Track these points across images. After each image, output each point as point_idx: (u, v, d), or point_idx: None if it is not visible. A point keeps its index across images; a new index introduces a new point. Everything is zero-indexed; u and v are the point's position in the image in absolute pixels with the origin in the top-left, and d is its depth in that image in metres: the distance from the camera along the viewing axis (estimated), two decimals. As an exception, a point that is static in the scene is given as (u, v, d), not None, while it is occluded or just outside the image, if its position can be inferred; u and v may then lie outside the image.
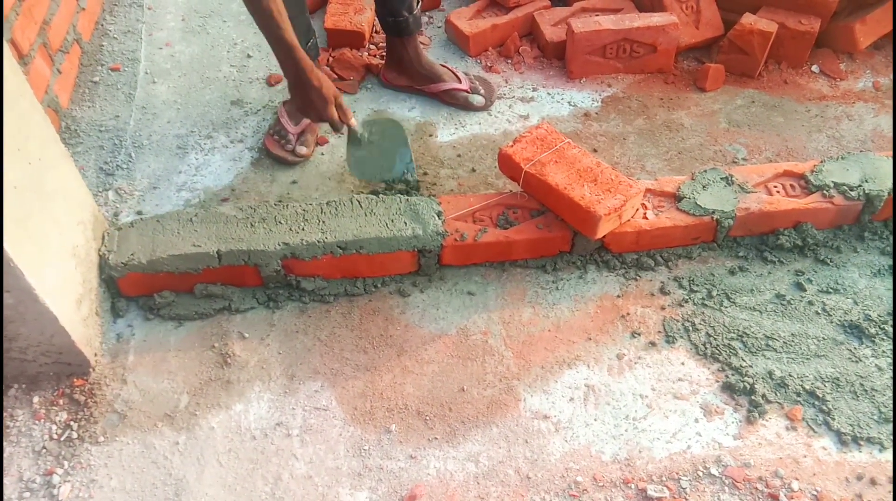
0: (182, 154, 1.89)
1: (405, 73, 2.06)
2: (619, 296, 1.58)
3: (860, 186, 1.63)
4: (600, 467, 1.31)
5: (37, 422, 1.35)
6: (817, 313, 1.53)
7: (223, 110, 2.06)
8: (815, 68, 2.14)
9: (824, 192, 1.63)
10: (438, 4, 2.44)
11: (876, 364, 1.44)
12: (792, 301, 1.55)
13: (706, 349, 1.47)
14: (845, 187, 1.63)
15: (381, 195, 1.62)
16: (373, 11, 2.31)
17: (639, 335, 1.50)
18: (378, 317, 1.54)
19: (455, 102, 2.04)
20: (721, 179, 1.67)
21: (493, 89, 2.09)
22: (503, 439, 1.34)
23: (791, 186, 1.67)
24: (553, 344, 1.49)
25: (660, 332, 1.51)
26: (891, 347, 1.47)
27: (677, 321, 1.53)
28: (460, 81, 2.04)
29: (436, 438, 1.35)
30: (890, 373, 1.43)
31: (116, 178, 1.84)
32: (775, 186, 1.67)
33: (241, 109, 2.06)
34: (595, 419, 1.37)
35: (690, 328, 1.51)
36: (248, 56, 2.23)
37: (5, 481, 1.27)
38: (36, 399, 1.38)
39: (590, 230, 1.52)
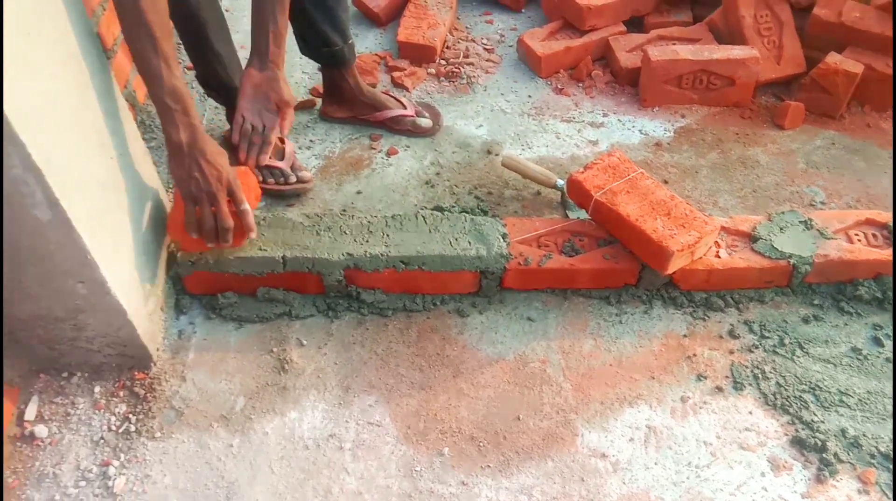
0: (251, 156, 1.91)
1: (346, 104, 1.98)
2: (685, 335, 1.53)
3: (949, 240, 1.55)
4: (658, 513, 1.26)
5: (97, 412, 1.36)
6: (895, 371, 1.46)
7: (293, 116, 2.07)
8: (901, 113, 2.06)
9: (909, 244, 1.56)
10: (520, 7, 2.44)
11: (958, 432, 1.36)
12: (868, 357, 1.48)
13: (776, 399, 1.41)
14: (933, 241, 1.55)
15: (445, 212, 1.61)
16: (445, 26, 2.32)
17: (705, 378, 1.45)
18: (435, 335, 1.52)
19: (402, 128, 1.99)
20: (800, 222, 1.61)
21: (438, 114, 2.04)
22: (558, 474, 1.31)
23: (873, 235, 1.60)
24: (614, 380, 1.45)
25: (727, 377, 1.45)
26: (975, 414, 1.38)
27: (746, 367, 1.47)
28: (405, 107, 1.99)
29: (489, 466, 1.32)
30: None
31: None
32: (857, 234, 1.60)
33: (310, 116, 2.08)
34: (656, 463, 1.32)
35: (760, 376, 1.45)
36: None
37: (63, 468, 1.28)
38: (97, 389, 1.40)
39: (660, 265, 1.48)
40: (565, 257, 1.56)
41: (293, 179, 1.79)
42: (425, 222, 1.58)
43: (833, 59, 1.97)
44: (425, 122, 2.01)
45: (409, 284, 1.56)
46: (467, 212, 1.74)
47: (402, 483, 1.29)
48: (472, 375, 1.46)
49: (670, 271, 1.48)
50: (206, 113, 2.07)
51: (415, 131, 2.00)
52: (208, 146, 1.31)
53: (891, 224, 1.60)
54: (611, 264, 1.54)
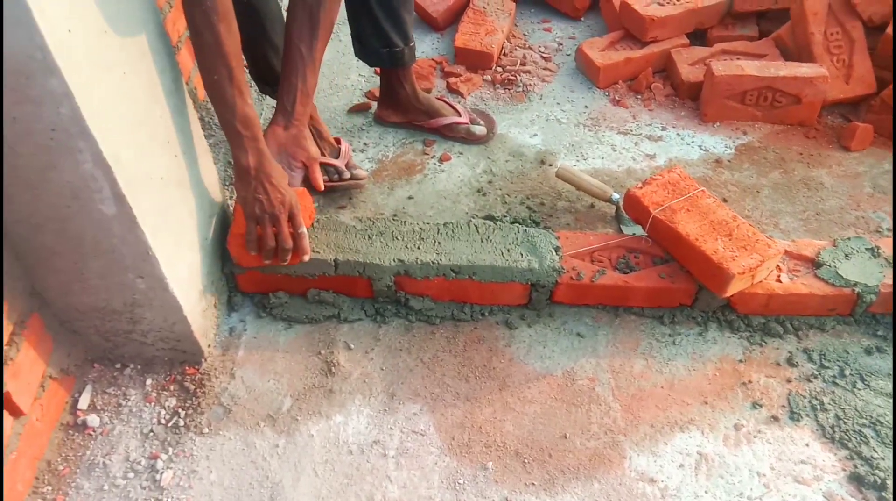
0: (306, 157, 1.92)
1: (401, 109, 1.97)
2: (741, 361, 1.48)
3: None
4: (707, 544, 1.22)
5: (147, 404, 1.39)
6: (965, 410, 1.39)
7: (348, 118, 2.09)
8: (977, 139, 1.97)
9: (985, 278, 1.49)
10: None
11: None
12: (935, 393, 1.42)
13: (834, 432, 1.36)
14: None
15: (498, 222, 1.59)
16: (503, 33, 2.30)
17: (760, 406, 1.41)
18: (482, 346, 1.51)
19: (456, 135, 1.98)
20: (866, 249, 1.55)
21: (493, 121, 2.02)
22: (604, 496, 1.28)
23: (946, 266, 1.53)
24: (665, 403, 1.41)
25: (784, 406, 1.41)
26: None
27: (804, 397, 1.42)
28: (459, 115, 1.97)
29: (533, 483, 1.29)
30: None
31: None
32: (927, 265, 1.53)
33: (365, 119, 2.09)
34: (706, 492, 1.28)
35: (818, 407, 1.40)
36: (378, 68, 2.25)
37: (113, 458, 1.31)
38: (149, 382, 1.42)
39: (719, 288, 1.44)
40: (619, 273, 1.53)
41: (347, 175, 1.80)
42: (477, 231, 1.57)
43: (907, 80, 1.90)
44: (479, 129, 1.99)
45: (458, 293, 1.55)
46: (519, 222, 1.72)
47: (444, 494, 1.28)
48: (518, 389, 1.44)
49: (729, 293, 1.44)
50: (263, 112, 2.10)
51: (468, 139, 1.99)
52: (274, 171, 1.36)
53: (965, 256, 1.53)
54: (666, 283, 1.51)
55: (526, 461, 1.32)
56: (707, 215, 1.50)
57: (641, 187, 1.58)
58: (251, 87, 1.99)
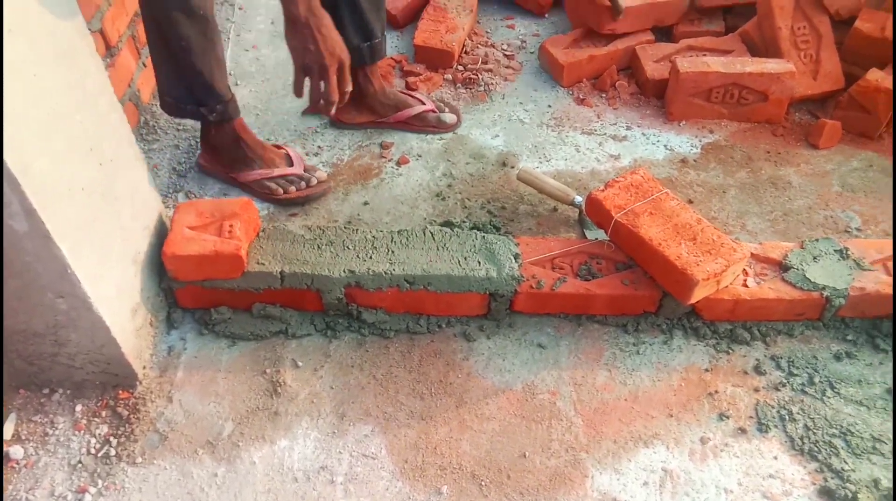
0: (256, 162, 1.83)
1: (367, 107, 1.90)
2: (707, 370, 1.42)
3: None
4: (673, 568, 1.16)
5: (76, 433, 1.29)
6: (937, 418, 1.34)
7: (301, 121, 2.00)
8: (944, 135, 1.94)
9: (955, 279, 1.44)
10: None
11: None
12: (907, 400, 1.37)
13: (804, 444, 1.30)
14: (981, 277, 1.43)
15: (455, 229, 1.52)
16: (465, 31, 2.22)
17: (727, 417, 1.35)
18: (439, 361, 1.43)
19: (426, 125, 1.92)
20: (835, 251, 1.49)
21: (457, 109, 1.98)
22: (565, 519, 1.21)
23: (915, 267, 1.48)
24: (629, 416, 1.35)
25: (751, 417, 1.35)
26: None
27: (772, 407, 1.36)
28: (425, 104, 1.92)
29: (490, 507, 1.22)
30: None
31: (188, 180, 1.80)
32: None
33: (320, 121, 2.00)
34: (671, 510, 1.22)
35: (787, 417, 1.34)
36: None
37: (37, 493, 1.21)
38: (79, 408, 1.32)
39: (683, 294, 1.37)
40: (581, 280, 1.46)
41: (314, 181, 1.73)
42: (433, 238, 1.49)
43: (874, 76, 1.85)
44: (449, 117, 1.94)
45: (413, 304, 1.47)
46: (479, 228, 1.65)
47: (396, 522, 1.20)
48: (476, 405, 1.36)
49: (694, 300, 1.38)
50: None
51: (439, 128, 1.93)
52: (325, 19, 1.35)
53: (935, 257, 1.48)
54: (630, 290, 1.44)
55: (483, 483, 1.25)
56: (671, 219, 1.44)
57: (604, 190, 1.52)
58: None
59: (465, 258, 1.46)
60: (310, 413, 1.34)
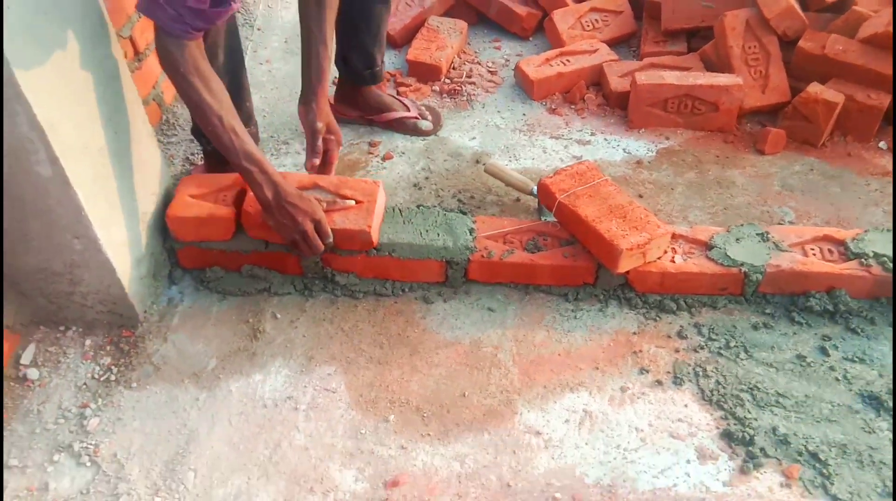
0: (257, 154, 2.08)
1: (357, 105, 2.18)
2: (635, 333, 1.60)
3: (902, 259, 1.59)
4: (582, 488, 1.32)
5: (84, 362, 1.52)
6: (837, 379, 1.50)
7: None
8: (882, 144, 2.11)
9: (862, 260, 1.61)
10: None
11: (890, 438, 1.39)
12: (812, 364, 1.52)
13: (713, 395, 1.47)
14: (885, 259, 1.60)
15: (420, 207, 1.73)
16: (453, 49, 2.48)
17: (647, 372, 1.52)
18: (400, 318, 1.63)
19: (405, 129, 2.18)
20: (757, 234, 1.67)
21: (439, 116, 2.24)
22: (492, 446, 1.39)
23: (829, 250, 1.65)
24: (560, 368, 1.53)
25: (669, 372, 1.52)
26: (911, 424, 1.41)
27: (689, 365, 1.53)
28: (408, 110, 2.18)
29: (429, 434, 1.41)
30: (905, 450, 1.37)
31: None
32: (812, 249, 1.65)
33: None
34: (586, 443, 1.39)
35: (701, 374, 1.51)
36: (336, 78, 2.42)
37: (47, 406, 1.44)
38: (88, 342, 1.55)
39: (612, 263, 1.56)
40: (527, 253, 1.66)
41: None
42: (400, 214, 1.71)
43: (814, 88, 2.05)
44: (426, 125, 2.18)
45: (380, 270, 1.68)
46: (446, 211, 1.86)
47: (346, 442, 1.39)
48: (427, 354, 1.56)
49: (621, 269, 1.57)
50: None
51: (416, 133, 2.18)
52: (291, 192, 1.50)
53: (848, 241, 1.65)
54: (569, 261, 1.64)
55: (425, 415, 1.44)
56: (606, 201, 1.64)
57: (552, 177, 1.73)
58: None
59: (427, 231, 1.67)
60: (283, 355, 1.55)
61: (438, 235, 1.66)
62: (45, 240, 1.38)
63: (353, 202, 1.62)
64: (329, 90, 1.90)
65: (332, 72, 2.21)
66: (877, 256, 1.61)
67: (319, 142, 1.72)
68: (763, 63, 2.18)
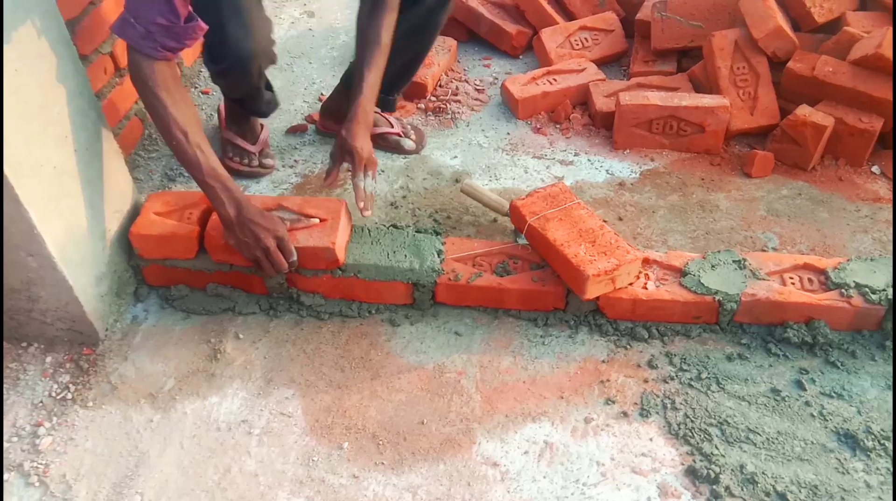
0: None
1: (342, 121, 2.08)
2: (604, 361, 1.55)
3: (884, 290, 1.53)
4: (535, 524, 1.28)
5: (42, 379, 1.51)
6: (812, 415, 1.44)
7: (285, 138, 2.24)
8: (875, 169, 2.05)
9: (843, 291, 1.55)
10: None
11: (865, 480, 1.33)
12: (787, 398, 1.47)
13: (679, 429, 1.42)
14: (867, 289, 1.54)
15: (389, 227, 1.71)
16: (440, 67, 2.46)
17: (613, 402, 1.47)
18: (364, 341, 1.60)
19: (387, 145, 2.15)
20: (733, 261, 1.62)
21: (423, 136, 2.20)
22: (447, 477, 1.35)
23: (809, 279, 1.60)
24: (523, 396, 1.49)
25: (636, 403, 1.47)
26: (886, 465, 1.35)
27: (657, 396, 1.48)
28: (392, 126, 2.15)
29: (383, 463, 1.37)
30: (879, 492, 1.31)
31: (176, 184, 2.05)
32: (791, 278, 1.60)
33: (300, 139, 2.24)
34: (544, 477, 1.35)
35: (669, 406, 1.46)
36: (322, 94, 2.42)
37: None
38: (49, 359, 1.54)
39: (579, 289, 1.52)
40: (496, 276, 1.62)
41: (255, 163, 2.04)
42: (369, 234, 1.69)
43: (803, 111, 1.99)
44: (408, 144, 2.15)
45: (346, 291, 1.66)
46: (420, 231, 1.83)
47: (297, 469, 1.36)
48: (388, 379, 1.53)
49: (588, 296, 1.52)
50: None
51: (397, 150, 2.15)
52: (252, 211, 1.48)
53: (829, 270, 1.60)
54: (538, 286, 1.60)
55: (381, 443, 1.41)
56: (577, 224, 1.60)
57: (524, 199, 1.69)
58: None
59: (394, 252, 1.64)
60: (241, 377, 1.53)
61: (405, 256, 1.63)
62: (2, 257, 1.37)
63: (317, 221, 1.60)
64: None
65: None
66: (858, 286, 1.55)
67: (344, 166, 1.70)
68: (752, 84, 2.14)
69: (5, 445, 1.39)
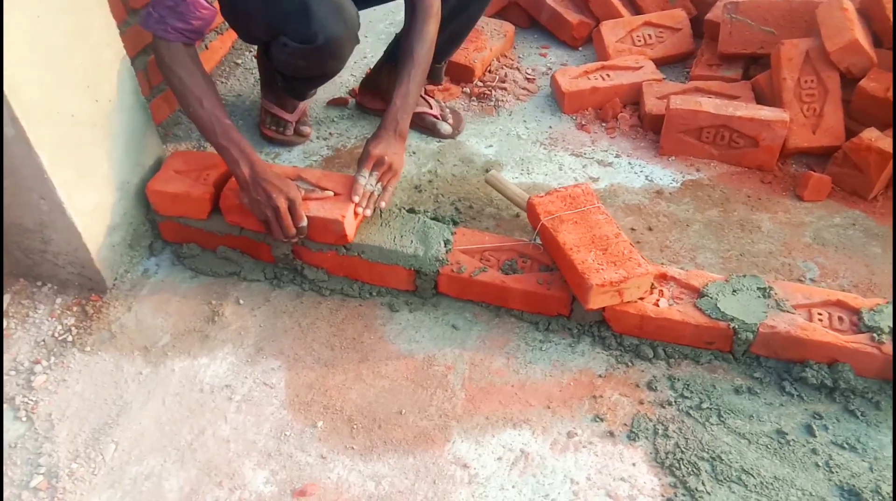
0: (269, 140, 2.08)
1: (380, 96, 2.12)
2: (600, 376, 1.48)
3: (923, 340, 1.39)
4: (494, 534, 1.23)
5: (49, 319, 1.56)
6: (817, 464, 1.32)
7: (325, 109, 2.24)
8: (944, 206, 1.86)
9: (875, 335, 1.41)
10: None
11: (862, 544, 1.21)
12: (792, 443, 1.35)
13: (667, 458, 1.33)
14: (902, 337, 1.40)
15: (401, 210, 1.67)
16: (492, 52, 2.39)
17: (602, 420, 1.40)
18: (359, 322, 1.58)
19: (423, 125, 2.11)
20: (758, 288, 1.51)
21: (461, 121, 2.15)
22: (414, 471, 1.32)
23: (840, 318, 1.46)
24: (509, 400, 1.43)
25: (626, 425, 1.39)
26: (890, 531, 1.23)
27: (650, 420, 1.40)
28: (431, 107, 2.10)
29: (353, 448, 1.35)
30: (876, 559, 1.19)
31: (209, 147, 2.07)
32: (820, 314, 1.47)
33: (339, 112, 2.23)
34: (513, 486, 1.30)
35: (660, 432, 1.37)
36: (370, 69, 2.39)
37: (4, 357, 1.48)
38: (59, 300, 1.60)
39: (582, 297, 1.45)
40: (501, 274, 1.57)
41: (290, 131, 2.05)
42: (380, 215, 1.66)
43: (869, 134, 1.83)
44: (444, 128, 2.11)
45: (350, 270, 1.64)
46: (438, 219, 1.79)
47: (268, 441, 1.36)
48: (376, 364, 1.50)
49: (592, 306, 1.45)
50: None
51: (433, 132, 2.11)
52: (267, 171, 1.51)
53: (863, 310, 1.46)
54: (542, 288, 1.53)
55: (355, 427, 1.39)
56: (592, 229, 1.52)
57: (542, 197, 1.62)
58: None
59: (401, 236, 1.61)
60: (234, 342, 1.54)
61: (411, 242, 1.60)
62: (15, 197, 1.42)
63: (331, 193, 1.58)
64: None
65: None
66: (893, 332, 1.41)
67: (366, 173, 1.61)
68: (818, 100, 1.97)
69: (5, 378, 1.45)
